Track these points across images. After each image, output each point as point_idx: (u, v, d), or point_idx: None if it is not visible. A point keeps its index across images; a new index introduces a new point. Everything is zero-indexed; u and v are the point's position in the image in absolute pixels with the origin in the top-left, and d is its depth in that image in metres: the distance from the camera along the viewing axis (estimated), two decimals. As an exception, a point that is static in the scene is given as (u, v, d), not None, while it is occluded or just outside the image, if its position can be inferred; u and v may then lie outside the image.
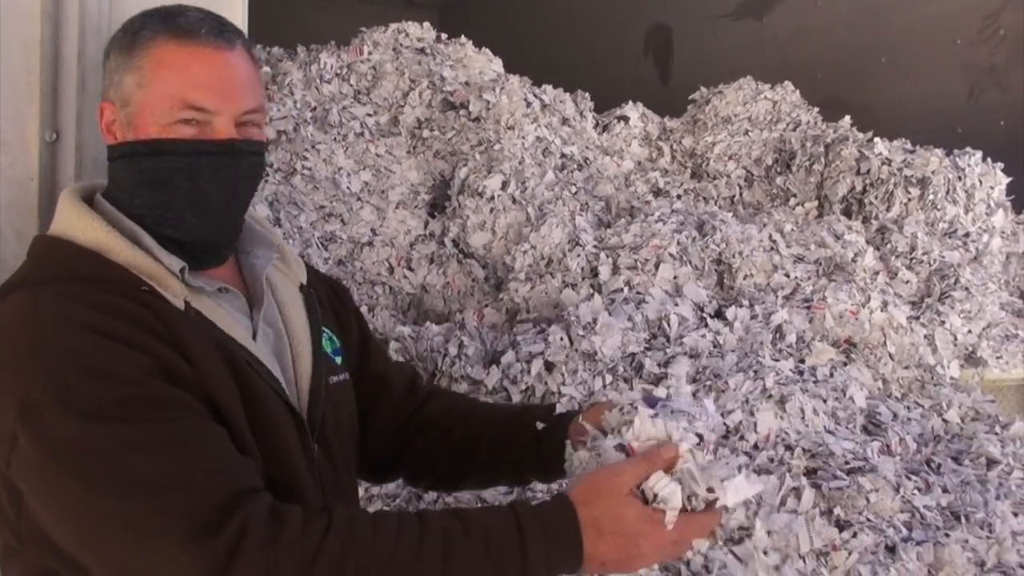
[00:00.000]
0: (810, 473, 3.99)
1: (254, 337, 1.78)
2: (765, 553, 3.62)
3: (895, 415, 4.50)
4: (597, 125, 7.29)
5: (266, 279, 1.88)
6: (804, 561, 3.62)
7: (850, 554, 3.63)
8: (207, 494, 1.46)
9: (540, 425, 1.94)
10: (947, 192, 6.22)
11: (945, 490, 4.00)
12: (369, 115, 6.46)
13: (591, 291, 5.06)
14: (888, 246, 5.87)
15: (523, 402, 4.30)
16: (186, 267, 1.70)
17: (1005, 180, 6.38)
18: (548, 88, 7.01)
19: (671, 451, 1.56)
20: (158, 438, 1.49)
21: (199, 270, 1.76)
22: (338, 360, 1.93)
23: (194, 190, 1.71)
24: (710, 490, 1.55)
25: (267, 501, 1.50)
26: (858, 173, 6.47)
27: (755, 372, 4.38)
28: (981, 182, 6.31)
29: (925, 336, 5.10)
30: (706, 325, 4.81)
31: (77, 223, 1.70)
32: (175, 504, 1.44)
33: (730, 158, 7.07)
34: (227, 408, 1.60)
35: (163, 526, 1.43)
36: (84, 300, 1.59)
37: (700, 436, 1.60)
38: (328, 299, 2.03)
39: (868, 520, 3.75)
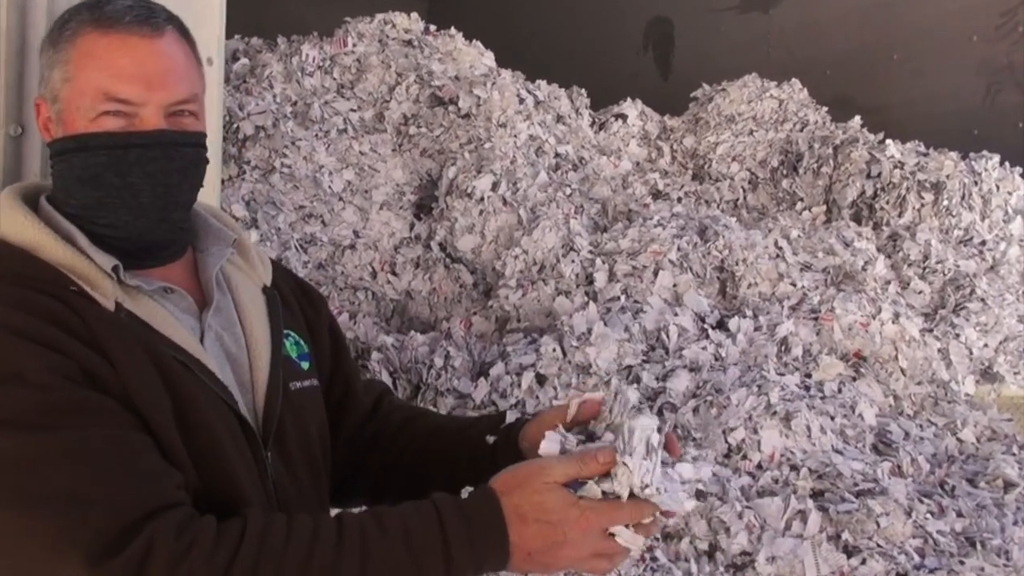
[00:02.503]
0: (817, 495, 3.98)
1: (201, 339, 1.77)
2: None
3: (907, 434, 4.50)
4: (593, 123, 7.30)
5: (224, 278, 1.88)
6: (810, 588, 3.62)
7: (859, 581, 3.63)
8: (115, 511, 1.46)
9: (491, 439, 1.94)
10: (962, 197, 6.23)
11: (960, 514, 4.00)
12: (353, 110, 6.45)
13: (586, 299, 5.06)
14: (900, 254, 5.87)
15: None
16: (120, 266, 1.69)
17: (1024, 185, 6.39)
18: (542, 84, 7.01)
19: (608, 456, 1.55)
20: (71, 449, 1.49)
21: (143, 269, 1.76)
22: (305, 365, 1.93)
23: (124, 186, 1.72)
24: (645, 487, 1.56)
25: (178, 517, 1.49)
26: (868, 176, 6.47)
27: (759, 387, 4.37)
28: (998, 187, 6.32)
29: (939, 350, 5.10)
30: (707, 337, 4.81)
31: (9, 221, 1.71)
32: (81, 522, 1.45)
33: (733, 159, 7.07)
34: (152, 415, 1.59)
35: (67, 545, 1.44)
36: (4, 298, 1.59)
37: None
38: (299, 302, 2.03)
39: (878, 546, 3.74)
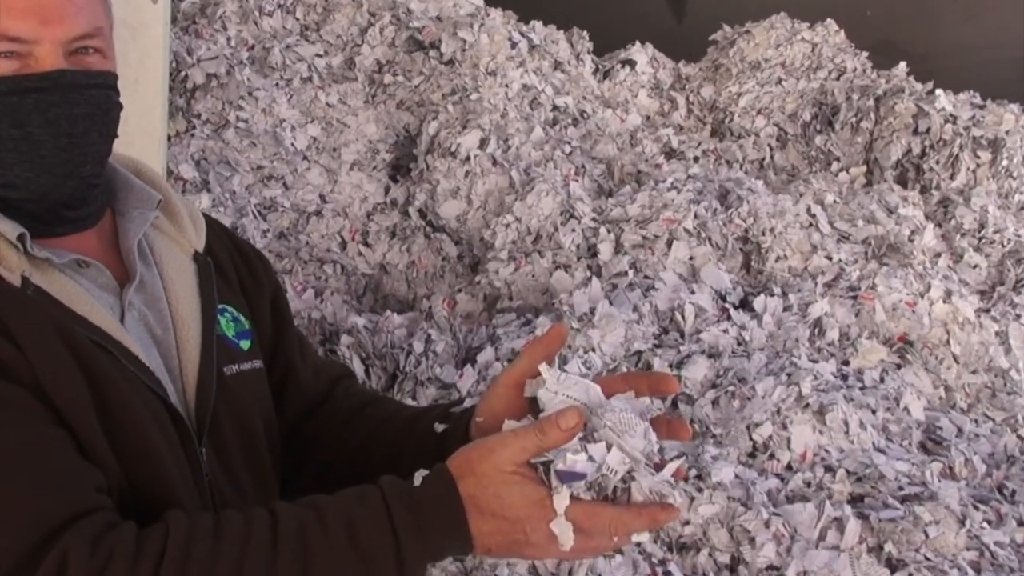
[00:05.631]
0: (855, 500, 3.98)
1: (122, 319, 1.74)
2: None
3: (960, 430, 4.49)
4: (597, 71, 7.29)
5: (148, 247, 1.85)
6: (848, 608, 3.62)
7: (904, 600, 3.63)
8: (24, 526, 1.46)
9: (440, 427, 1.91)
10: (1024, 157, 6.24)
11: (1021, 523, 4.00)
12: (319, 56, 6.45)
13: (588, 274, 5.06)
14: (952, 222, 5.87)
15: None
16: (26, 234, 1.66)
17: (1094, 143, 6.39)
18: (537, 25, 7.02)
19: (572, 418, 1.49)
20: None
21: (52, 237, 1.74)
22: (244, 345, 1.90)
23: (23, 137, 1.69)
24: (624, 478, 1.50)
25: (94, 526, 1.49)
26: (916, 133, 6.47)
27: (788, 376, 4.36)
28: (1065, 145, 6.33)
29: (997, 333, 5.09)
30: (729, 318, 4.80)
31: None
32: None
33: (759, 112, 7.07)
34: (68, 406, 1.58)
35: None
36: None
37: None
38: (236, 269, 1.99)
39: (926, 559, 3.73)
